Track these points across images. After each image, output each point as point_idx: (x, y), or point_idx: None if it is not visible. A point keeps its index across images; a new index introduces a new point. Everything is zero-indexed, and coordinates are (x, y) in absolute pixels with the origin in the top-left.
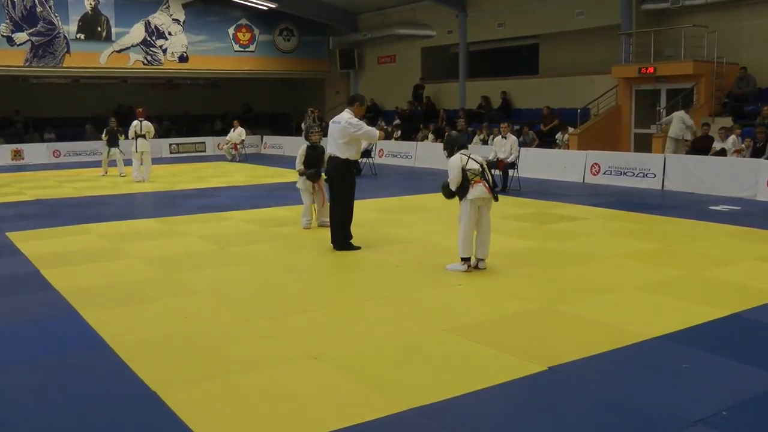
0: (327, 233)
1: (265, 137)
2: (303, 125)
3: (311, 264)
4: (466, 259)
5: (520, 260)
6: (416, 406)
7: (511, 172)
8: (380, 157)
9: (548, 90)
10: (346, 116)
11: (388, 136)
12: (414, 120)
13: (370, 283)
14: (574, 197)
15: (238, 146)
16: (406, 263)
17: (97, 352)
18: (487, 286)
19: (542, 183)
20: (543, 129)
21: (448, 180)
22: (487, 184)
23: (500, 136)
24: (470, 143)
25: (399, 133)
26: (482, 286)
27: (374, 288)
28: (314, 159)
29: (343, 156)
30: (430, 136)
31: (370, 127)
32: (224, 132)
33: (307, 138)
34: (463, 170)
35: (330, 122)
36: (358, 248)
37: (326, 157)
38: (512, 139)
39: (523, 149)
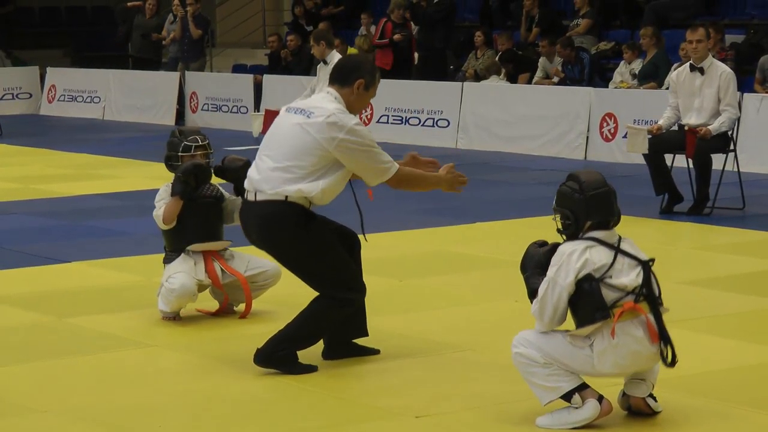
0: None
1: (51, 73)
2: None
3: None
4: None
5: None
6: None
7: (719, 161)
8: (366, 123)
9: None
10: (330, 107)
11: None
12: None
13: None
14: None
15: None
16: (426, 407)
17: None
18: None
19: None
20: None
21: (534, 309)
22: (654, 323)
23: (684, 67)
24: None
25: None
26: None
27: None
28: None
29: (291, 195)
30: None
31: (386, 160)
32: None
33: (171, 162)
34: (586, 277)
35: (284, 109)
36: (311, 370)
37: (234, 205)
38: (719, 72)
39: (752, 100)
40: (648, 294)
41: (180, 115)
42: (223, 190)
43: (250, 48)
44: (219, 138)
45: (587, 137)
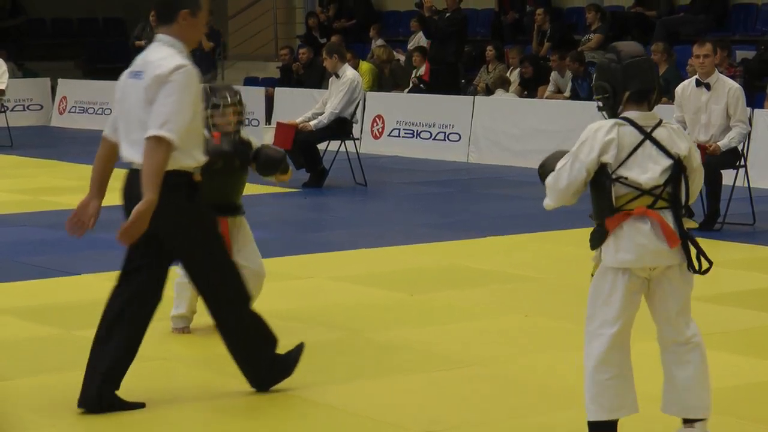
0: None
1: (62, 84)
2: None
3: None
4: (603, 426)
5: None
6: None
7: (729, 176)
8: (377, 137)
9: None
10: (161, 56)
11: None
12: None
13: None
14: None
15: None
16: (434, 422)
17: None
18: None
19: None
20: None
21: (548, 180)
22: (664, 218)
23: (690, 81)
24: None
25: (422, 71)
26: None
27: None
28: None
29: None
30: (513, 75)
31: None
32: None
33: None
34: (602, 169)
35: (124, 74)
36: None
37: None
38: (727, 88)
39: (763, 116)
40: (672, 195)
41: None
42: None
43: (262, 61)
44: None
45: None
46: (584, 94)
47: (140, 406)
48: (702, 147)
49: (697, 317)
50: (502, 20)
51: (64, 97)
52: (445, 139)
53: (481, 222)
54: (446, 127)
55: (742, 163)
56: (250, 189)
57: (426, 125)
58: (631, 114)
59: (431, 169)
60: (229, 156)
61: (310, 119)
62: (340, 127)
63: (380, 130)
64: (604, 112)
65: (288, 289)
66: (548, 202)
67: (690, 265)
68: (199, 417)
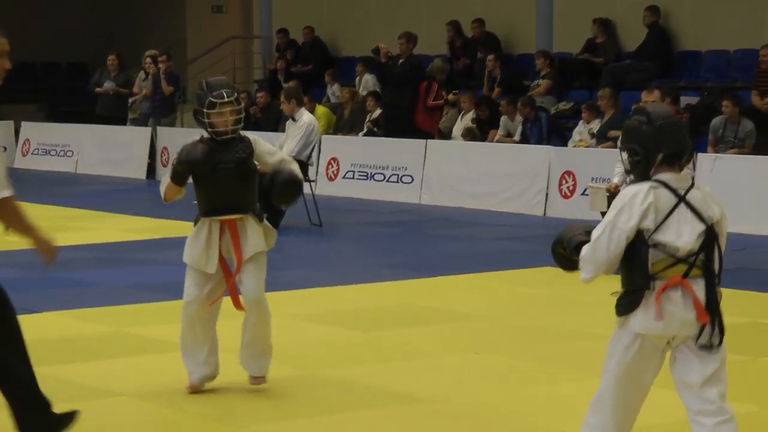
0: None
1: (25, 127)
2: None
3: None
4: None
5: None
6: None
7: None
8: (332, 179)
9: None
10: None
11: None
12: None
13: None
14: None
15: None
16: None
17: None
18: None
19: (758, 245)
20: (758, 103)
21: (585, 253)
22: (695, 290)
23: None
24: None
25: (376, 113)
26: None
27: None
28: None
29: None
30: (465, 119)
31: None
32: None
33: (198, 116)
34: (638, 235)
35: None
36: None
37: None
38: None
39: (706, 160)
40: (705, 263)
41: (151, 169)
42: (255, 143)
43: None
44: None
45: (546, 194)
46: (534, 138)
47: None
48: None
49: None
50: (454, 66)
51: (27, 140)
52: (398, 182)
53: (433, 262)
54: (399, 169)
55: None
56: None
57: (380, 168)
58: (663, 176)
59: (385, 210)
60: (196, 159)
61: None
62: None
63: (335, 172)
64: (633, 174)
65: None
66: (586, 276)
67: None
68: None
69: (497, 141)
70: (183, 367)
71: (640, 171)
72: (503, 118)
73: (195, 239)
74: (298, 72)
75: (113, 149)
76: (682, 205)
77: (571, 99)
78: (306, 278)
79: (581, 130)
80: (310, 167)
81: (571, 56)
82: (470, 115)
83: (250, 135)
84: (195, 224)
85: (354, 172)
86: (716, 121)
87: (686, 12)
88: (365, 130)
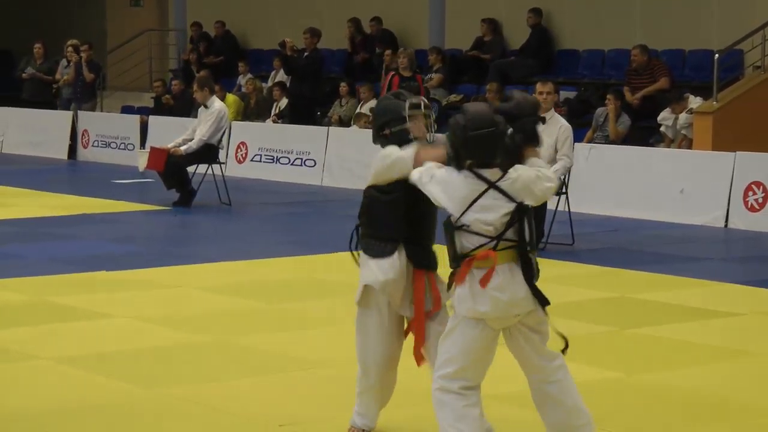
0: None
1: None
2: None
3: None
4: None
5: None
6: None
7: (552, 202)
8: (241, 162)
9: (643, 10)
10: None
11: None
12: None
13: None
14: (703, 264)
15: None
16: (290, 417)
17: None
18: None
19: (628, 227)
20: (629, 99)
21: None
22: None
23: None
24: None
25: (282, 103)
26: None
27: None
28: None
29: None
30: (364, 108)
31: None
32: None
33: (390, 127)
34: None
35: None
36: None
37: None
38: (559, 125)
39: (582, 149)
40: (518, 240)
41: (72, 150)
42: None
43: (138, 91)
44: (107, 171)
45: None
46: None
47: None
48: None
49: None
50: (354, 60)
51: None
52: (302, 165)
53: (333, 239)
54: (303, 154)
55: (564, 190)
56: (123, 206)
57: (285, 152)
58: (479, 170)
59: (289, 191)
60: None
61: (180, 144)
62: (208, 153)
63: (244, 155)
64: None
65: (158, 297)
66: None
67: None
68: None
69: None
70: (102, 333)
71: (452, 166)
72: None
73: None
74: (210, 63)
75: (37, 131)
76: (493, 190)
77: (461, 92)
78: (214, 253)
79: None
80: (220, 150)
81: (461, 53)
82: (369, 104)
83: None
84: (377, 256)
85: (261, 155)
86: (598, 111)
87: (566, 14)
88: (272, 117)
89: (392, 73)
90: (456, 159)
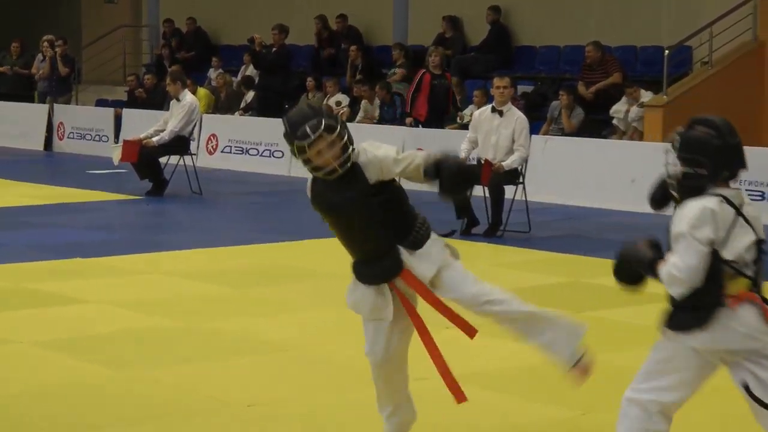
0: None
1: None
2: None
3: None
4: None
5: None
6: None
7: (510, 191)
8: (212, 153)
9: (598, 7)
10: None
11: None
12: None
13: None
14: None
15: None
16: (257, 397)
17: None
18: None
19: (582, 215)
20: (584, 93)
21: (671, 271)
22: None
23: (486, 108)
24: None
25: (249, 97)
26: None
27: None
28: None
29: None
30: (330, 101)
31: None
32: None
33: None
34: (715, 256)
35: None
36: None
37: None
38: (515, 117)
39: (538, 141)
40: (755, 275)
41: (48, 142)
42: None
43: (112, 85)
44: (82, 163)
45: None
46: (389, 116)
47: None
48: (488, 163)
49: None
50: (321, 55)
51: None
52: (270, 156)
53: (300, 227)
54: (271, 145)
55: (521, 180)
56: (98, 196)
57: (254, 144)
58: (723, 191)
59: (258, 181)
60: None
61: (152, 136)
62: (180, 144)
63: (214, 147)
64: (683, 190)
65: (130, 283)
66: (683, 291)
67: None
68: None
69: (358, 122)
70: (77, 318)
71: (699, 185)
72: (363, 102)
73: None
74: (182, 58)
75: (14, 124)
76: (741, 219)
77: None
78: (185, 240)
79: None
80: (192, 142)
81: (424, 48)
82: (335, 98)
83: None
84: None
85: (231, 147)
86: (554, 104)
87: (524, 12)
88: (241, 109)
89: (423, 70)
90: (713, 173)
